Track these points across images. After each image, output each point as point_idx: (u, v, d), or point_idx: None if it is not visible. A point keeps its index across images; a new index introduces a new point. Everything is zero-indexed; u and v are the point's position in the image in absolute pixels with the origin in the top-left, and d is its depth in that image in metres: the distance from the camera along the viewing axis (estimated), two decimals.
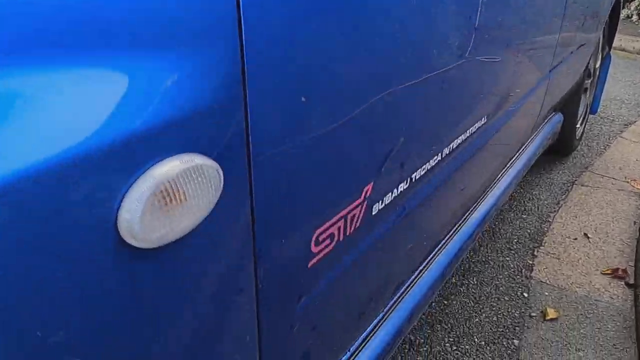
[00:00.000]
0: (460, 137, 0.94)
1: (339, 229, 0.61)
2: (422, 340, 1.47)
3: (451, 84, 0.85)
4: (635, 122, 3.27)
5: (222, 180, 0.42)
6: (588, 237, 1.99)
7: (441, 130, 0.86)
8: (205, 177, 0.39)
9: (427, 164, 0.81)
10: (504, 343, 1.47)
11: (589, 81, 2.60)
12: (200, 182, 0.39)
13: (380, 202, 0.70)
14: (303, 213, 0.56)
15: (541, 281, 1.73)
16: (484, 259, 1.84)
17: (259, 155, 0.46)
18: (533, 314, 1.58)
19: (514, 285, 1.71)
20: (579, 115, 2.55)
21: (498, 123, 1.27)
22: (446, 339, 1.48)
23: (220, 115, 0.41)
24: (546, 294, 1.67)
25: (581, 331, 1.51)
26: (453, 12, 0.77)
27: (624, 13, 6.25)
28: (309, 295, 0.60)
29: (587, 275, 1.76)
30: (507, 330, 1.51)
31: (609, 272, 1.78)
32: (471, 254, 1.87)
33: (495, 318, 1.56)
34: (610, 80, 4.15)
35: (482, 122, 1.07)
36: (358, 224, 0.65)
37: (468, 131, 0.98)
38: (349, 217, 0.62)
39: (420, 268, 1.09)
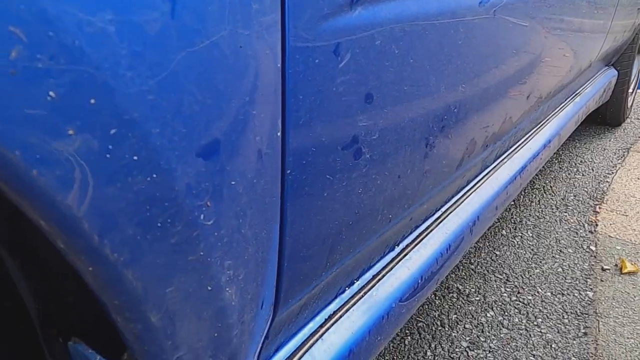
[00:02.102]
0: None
1: None
2: (474, 290, 1.19)
3: None
4: None
5: None
6: None
7: None
8: None
9: None
10: (575, 294, 1.18)
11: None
12: None
13: None
14: None
15: (609, 236, 1.45)
16: (537, 214, 1.57)
17: None
18: (606, 267, 1.29)
19: (577, 239, 1.43)
20: (632, 77, 2.29)
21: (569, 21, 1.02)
22: (502, 289, 1.20)
23: None
24: (618, 247, 1.39)
25: None
26: None
27: None
28: (365, 6, 0.35)
29: None
30: (578, 282, 1.23)
31: None
32: (521, 208, 1.60)
33: (560, 269, 1.28)
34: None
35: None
36: None
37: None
38: None
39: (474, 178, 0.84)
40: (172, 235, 0.28)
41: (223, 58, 0.28)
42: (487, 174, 0.94)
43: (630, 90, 2.39)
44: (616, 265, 1.30)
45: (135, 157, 0.25)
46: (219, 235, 0.31)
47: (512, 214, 1.56)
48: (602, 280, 1.25)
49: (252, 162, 0.32)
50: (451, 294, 1.18)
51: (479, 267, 1.29)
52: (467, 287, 1.21)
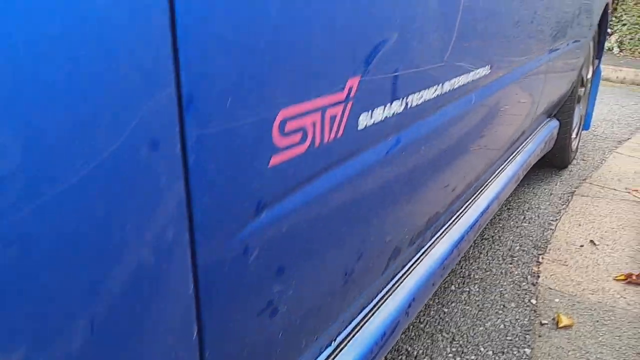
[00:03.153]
0: (462, 77, 0.80)
1: (313, 123, 0.45)
2: (421, 351, 1.27)
3: (455, 22, 0.72)
4: (629, 139, 3.19)
5: None
6: (595, 244, 1.83)
7: (441, 58, 0.71)
8: None
9: (425, 91, 0.67)
10: (514, 352, 1.28)
11: (582, 90, 2.52)
12: None
13: (369, 114, 0.54)
14: (262, 82, 0.40)
15: (549, 288, 1.56)
16: (484, 267, 1.67)
17: None
18: (544, 322, 1.40)
19: (520, 292, 1.53)
20: (574, 125, 2.45)
21: (503, 82, 1.14)
22: (448, 349, 1.28)
23: None
24: (556, 300, 1.50)
25: (599, 339, 1.33)
26: None
27: (605, 46, 6.36)
28: (271, 207, 0.43)
29: (598, 282, 1.60)
30: (517, 339, 1.33)
31: (622, 277, 1.61)
32: (470, 261, 1.70)
33: (502, 326, 1.37)
34: (599, 105, 4.12)
35: (486, 72, 0.93)
36: (340, 132, 0.50)
37: (472, 74, 0.84)
38: (327, 113, 0.47)
39: (419, 242, 0.92)
40: None
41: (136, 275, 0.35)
42: (422, 254, 1.03)
43: (574, 136, 2.55)
44: (553, 319, 1.41)
45: None
46: None
47: (461, 267, 1.66)
48: (539, 336, 1.34)
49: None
50: (400, 356, 1.25)
51: (427, 326, 1.37)
52: (416, 348, 1.28)
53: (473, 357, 1.26)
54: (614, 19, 6.36)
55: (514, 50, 1.15)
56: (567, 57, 1.88)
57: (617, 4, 6.33)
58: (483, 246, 1.81)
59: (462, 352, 1.27)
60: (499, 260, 1.71)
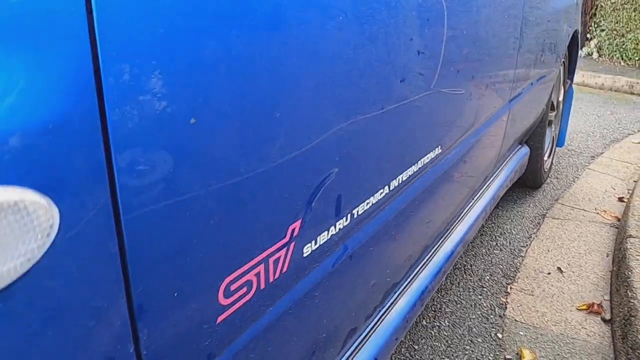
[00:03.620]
0: (410, 169, 0.87)
1: (257, 274, 0.52)
2: None
3: (396, 111, 0.78)
4: (601, 153, 3.29)
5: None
6: (562, 271, 1.92)
7: (386, 161, 0.78)
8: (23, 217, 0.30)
9: (371, 197, 0.73)
10: None
11: (554, 114, 2.61)
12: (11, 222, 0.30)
13: (314, 242, 0.61)
14: (202, 259, 0.46)
15: (515, 320, 1.64)
16: (455, 299, 1.75)
17: (125, 180, 0.37)
18: (508, 356, 1.48)
19: (487, 325, 1.61)
20: (545, 148, 2.53)
21: (456, 154, 1.20)
22: None
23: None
24: (521, 333, 1.58)
25: None
26: (391, 32, 0.71)
27: (585, 51, 6.48)
28: (221, 354, 0.50)
29: (562, 312, 1.68)
30: None
31: (584, 307, 1.70)
32: (442, 293, 1.78)
33: None
34: (575, 114, 4.22)
35: (437, 153, 1.00)
36: (285, 268, 0.56)
37: (420, 162, 0.91)
38: (270, 260, 0.53)
39: (376, 315, 0.99)
40: None
41: None
42: (383, 313, 1.09)
43: (547, 157, 2.64)
44: (517, 353, 1.49)
45: None
46: None
47: (433, 301, 1.74)
48: None
49: None
50: None
51: None
52: None
53: None
54: (593, 24, 6.48)
55: (467, 120, 1.22)
56: (533, 95, 1.96)
57: (595, 10, 6.44)
58: (455, 276, 1.88)
59: None
60: (469, 292, 1.79)
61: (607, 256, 2.02)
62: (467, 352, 1.49)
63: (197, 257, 0.45)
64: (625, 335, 1.45)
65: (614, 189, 2.69)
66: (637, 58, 5.77)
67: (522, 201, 2.53)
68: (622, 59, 5.97)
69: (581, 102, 4.75)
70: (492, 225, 2.28)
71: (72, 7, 0.32)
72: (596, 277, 1.88)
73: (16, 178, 0.30)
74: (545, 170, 2.66)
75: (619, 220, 2.30)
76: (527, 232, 2.23)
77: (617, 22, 6.01)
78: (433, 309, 1.69)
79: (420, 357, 1.47)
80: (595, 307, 1.69)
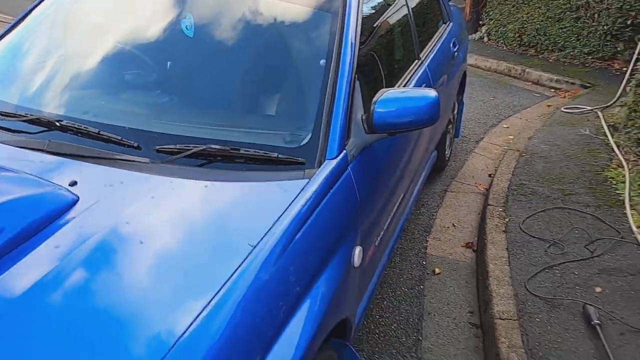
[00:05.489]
0: None
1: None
2: None
3: None
4: (482, 138, 4.94)
5: None
6: (455, 226, 3.53)
7: None
8: None
9: None
10: (415, 287, 2.92)
11: (450, 126, 4.16)
12: None
13: None
14: None
15: (432, 254, 3.22)
16: (397, 246, 3.29)
17: None
18: (428, 272, 3.06)
19: (418, 259, 3.18)
20: (446, 148, 4.10)
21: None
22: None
23: None
24: (434, 261, 3.16)
25: (452, 278, 3.02)
26: None
27: (476, 35, 8.14)
28: None
29: (454, 248, 3.29)
30: (414, 280, 2.97)
31: (465, 245, 3.32)
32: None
33: (409, 275, 3.01)
34: (467, 100, 5.83)
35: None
36: None
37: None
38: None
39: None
40: None
41: None
42: None
43: (447, 151, 4.21)
44: (433, 270, 3.07)
45: None
46: None
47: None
48: (427, 279, 3.00)
49: None
50: None
51: None
52: None
53: (389, 291, 2.88)
54: (484, 13, 8.11)
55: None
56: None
57: (486, 1, 8.06)
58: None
59: (380, 297, 2.88)
60: (405, 240, 3.34)
61: (478, 215, 3.66)
62: (404, 272, 3.04)
63: None
64: (481, 257, 3.08)
65: (487, 167, 4.35)
66: (514, 45, 7.52)
67: (434, 182, 4.11)
68: (505, 44, 7.70)
69: (473, 87, 6.36)
70: (419, 199, 3.84)
71: None
72: (472, 228, 3.51)
73: None
74: (447, 158, 4.25)
75: (487, 190, 3.96)
76: (436, 202, 3.82)
77: (501, 14, 7.67)
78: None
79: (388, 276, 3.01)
80: (470, 244, 3.32)
